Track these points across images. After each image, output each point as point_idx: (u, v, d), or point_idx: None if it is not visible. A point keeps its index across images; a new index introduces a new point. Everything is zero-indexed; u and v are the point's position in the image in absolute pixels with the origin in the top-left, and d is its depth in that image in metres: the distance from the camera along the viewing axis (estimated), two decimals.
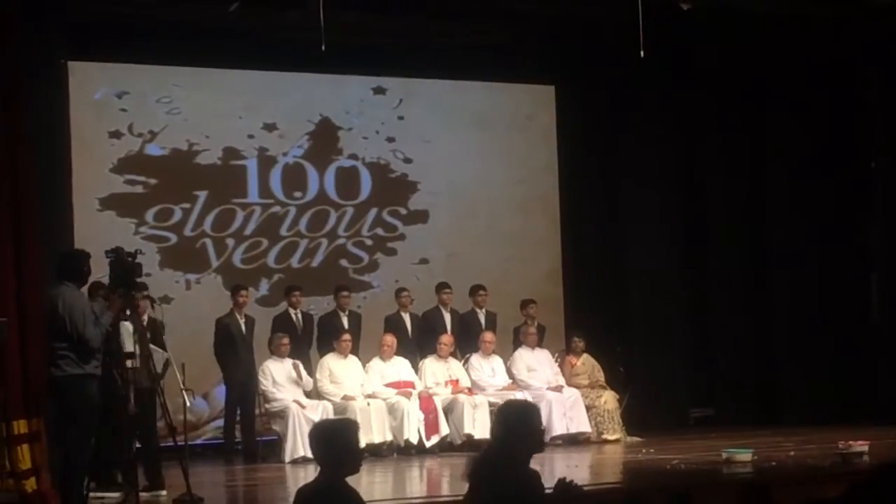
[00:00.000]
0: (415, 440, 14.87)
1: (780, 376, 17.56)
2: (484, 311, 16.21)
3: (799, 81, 17.42)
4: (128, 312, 10.51)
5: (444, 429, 15.07)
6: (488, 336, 15.87)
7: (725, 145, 18.00)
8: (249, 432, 14.97)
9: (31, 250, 13.18)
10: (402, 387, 15.12)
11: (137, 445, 11.10)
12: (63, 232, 14.81)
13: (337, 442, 6.22)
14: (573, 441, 15.49)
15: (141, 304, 11.36)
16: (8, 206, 13.04)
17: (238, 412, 14.95)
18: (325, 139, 16.94)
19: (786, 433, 15.05)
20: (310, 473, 13.61)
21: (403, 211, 17.32)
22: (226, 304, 15.23)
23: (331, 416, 14.53)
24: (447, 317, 16.04)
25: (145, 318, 11.86)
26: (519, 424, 6.34)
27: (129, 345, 10.75)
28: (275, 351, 14.82)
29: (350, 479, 6.22)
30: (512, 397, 15.17)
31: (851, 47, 16.90)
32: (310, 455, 14.03)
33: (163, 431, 11.94)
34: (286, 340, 14.84)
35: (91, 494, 10.63)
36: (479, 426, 15.10)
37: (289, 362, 14.79)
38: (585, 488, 11.22)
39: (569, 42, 17.16)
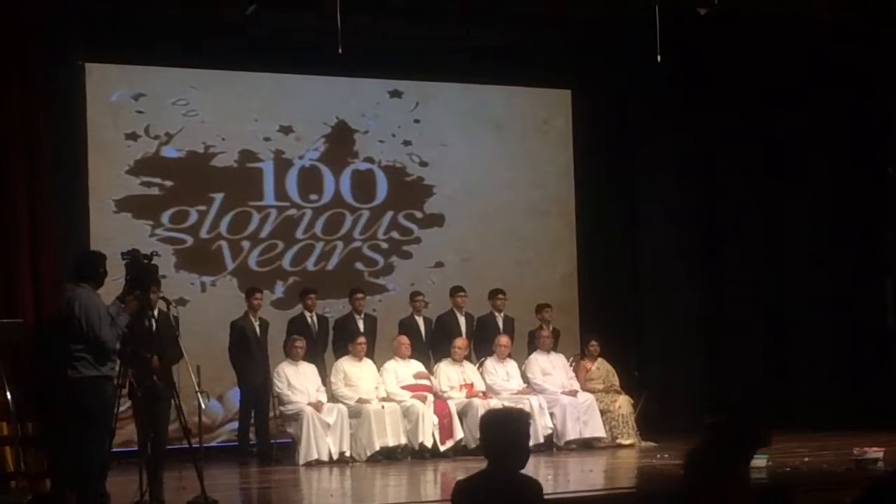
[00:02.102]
0: (429, 444, 14.85)
1: (795, 381, 17.52)
2: (502, 315, 16.20)
3: (816, 86, 17.39)
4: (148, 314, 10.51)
5: (459, 433, 15.05)
6: (503, 340, 15.85)
7: (741, 149, 17.96)
8: (264, 435, 14.98)
9: (47, 251, 13.25)
10: (419, 389, 15.12)
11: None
12: (79, 234, 14.89)
13: (509, 433, 5.89)
14: (587, 446, 15.47)
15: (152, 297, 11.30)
16: (25, 207, 13.12)
17: (252, 414, 14.96)
18: (341, 142, 16.95)
19: (801, 439, 15.01)
20: (324, 476, 13.68)
21: (419, 214, 17.32)
22: (241, 307, 15.24)
23: (346, 418, 14.56)
24: (462, 320, 16.03)
25: (155, 312, 11.77)
26: (753, 415, 5.98)
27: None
28: (289, 353, 14.84)
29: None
30: (527, 401, 15.22)
31: (869, 53, 16.85)
32: (324, 458, 14.22)
33: (177, 433, 11.93)
34: (301, 343, 14.85)
35: None
36: None
37: (304, 365, 14.83)
38: (599, 493, 11.26)
39: (585, 46, 17.15)
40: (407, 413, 14.84)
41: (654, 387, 16.87)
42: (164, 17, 15.03)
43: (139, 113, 15.91)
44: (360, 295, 15.76)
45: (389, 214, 17.15)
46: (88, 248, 13.68)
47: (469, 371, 15.62)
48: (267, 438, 14.95)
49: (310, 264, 16.71)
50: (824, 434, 15.56)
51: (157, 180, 15.96)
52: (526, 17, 15.99)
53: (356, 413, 14.64)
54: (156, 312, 11.69)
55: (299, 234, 16.68)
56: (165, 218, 15.97)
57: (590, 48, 17.22)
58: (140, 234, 15.42)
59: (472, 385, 15.46)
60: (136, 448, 11.64)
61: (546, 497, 6.05)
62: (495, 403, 15.19)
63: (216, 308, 15.78)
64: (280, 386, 14.70)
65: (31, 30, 13.53)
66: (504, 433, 5.88)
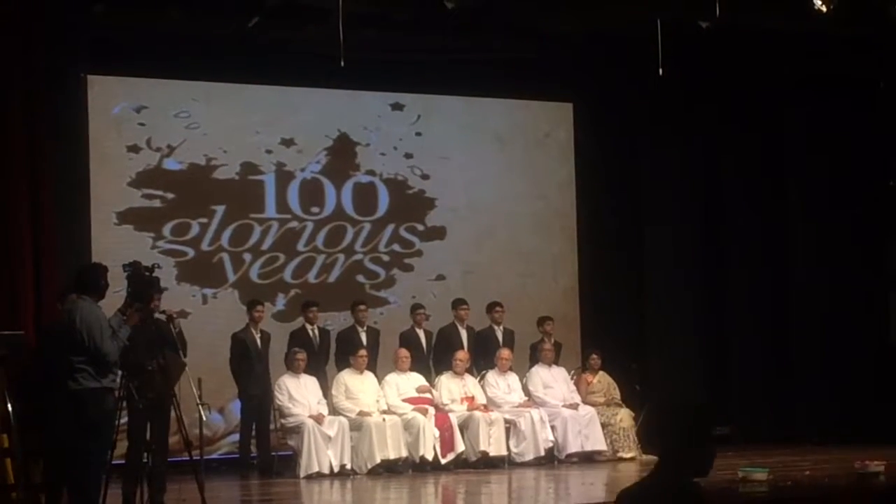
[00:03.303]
0: (430, 457, 14.83)
1: (797, 395, 17.51)
2: (501, 327, 16.19)
3: (818, 100, 17.41)
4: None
5: (460, 446, 15.04)
6: (504, 353, 15.85)
7: (744, 163, 17.98)
8: (265, 447, 14.95)
9: (49, 263, 13.28)
10: (420, 402, 15.10)
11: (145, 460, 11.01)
12: (81, 246, 14.88)
13: (691, 430, 4.85)
14: (588, 459, 15.46)
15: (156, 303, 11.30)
16: (27, 219, 13.15)
17: (254, 427, 14.94)
18: (342, 155, 16.95)
19: (802, 452, 15.01)
20: (325, 489, 13.66)
21: (420, 227, 17.31)
22: (242, 319, 15.22)
23: (347, 431, 14.55)
24: (463, 333, 16.01)
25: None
26: None
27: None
28: (291, 365, 14.83)
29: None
30: (528, 414, 15.22)
31: (871, 66, 16.87)
32: (325, 471, 14.20)
33: (178, 445, 11.92)
34: (302, 355, 14.85)
35: None
36: (494, 443, 15.08)
37: (305, 377, 14.82)
38: None
39: (587, 59, 17.16)
40: (408, 426, 14.83)
41: (655, 400, 16.83)
42: (166, 30, 15.03)
43: (141, 125, 15.91)
44: (362, 307, 15.75)
45: (391, 227, 17.14)
46: (90, 261, 13.68)
47: (470, 384, 15.61)
48: (268, 451, 14.92)
49: (311, 277, 16.70)
50: (826, 447, 15.55)
51: (159, 192, 15.95)
52: (527, 30, 16.01)
53: (357, 426, 14.63)
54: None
55: (301, 246, 16.67)
56: (167, 230, 15.96)
57: (591, 61, 17.21)
58: (141, 247, 15.40)
59: (473, 398, 15.45)
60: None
61: None
62: (496, 416, 15.21)
63: (217, 320, 15.77)
64: (281, 398, 14.69)
65: (34, 42, 13.56)
66: (687, 430, 4.85)
